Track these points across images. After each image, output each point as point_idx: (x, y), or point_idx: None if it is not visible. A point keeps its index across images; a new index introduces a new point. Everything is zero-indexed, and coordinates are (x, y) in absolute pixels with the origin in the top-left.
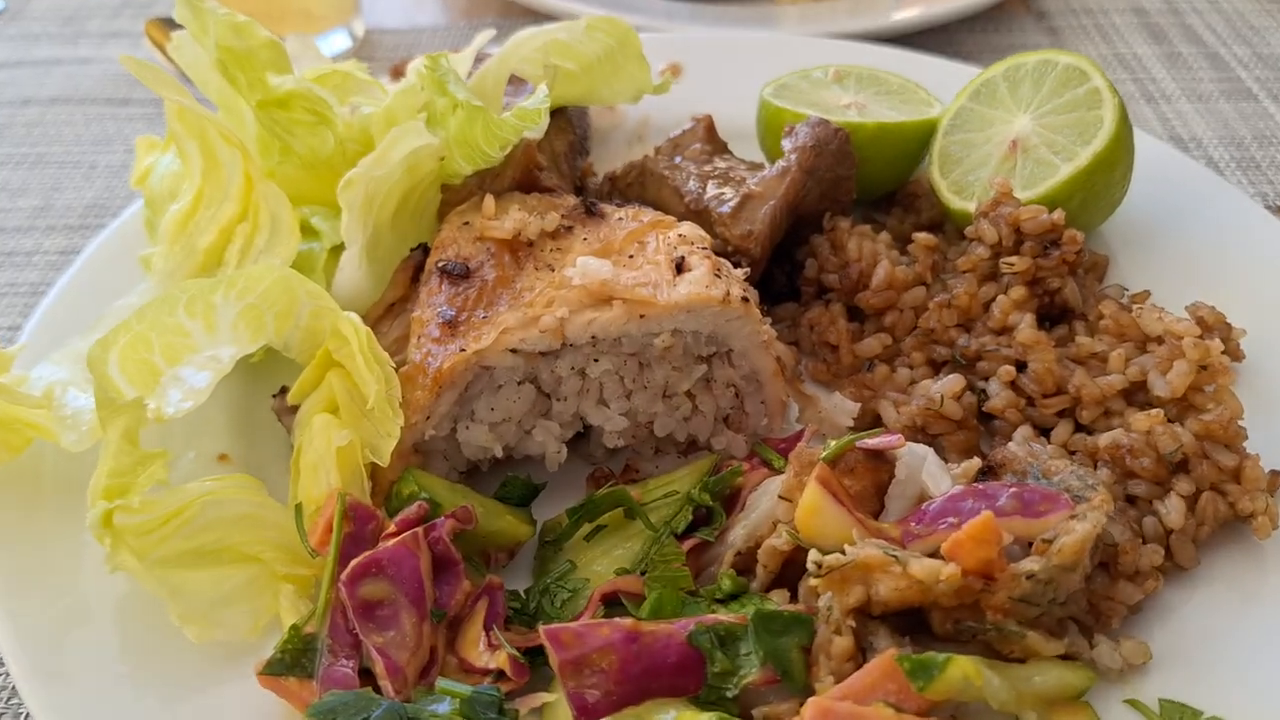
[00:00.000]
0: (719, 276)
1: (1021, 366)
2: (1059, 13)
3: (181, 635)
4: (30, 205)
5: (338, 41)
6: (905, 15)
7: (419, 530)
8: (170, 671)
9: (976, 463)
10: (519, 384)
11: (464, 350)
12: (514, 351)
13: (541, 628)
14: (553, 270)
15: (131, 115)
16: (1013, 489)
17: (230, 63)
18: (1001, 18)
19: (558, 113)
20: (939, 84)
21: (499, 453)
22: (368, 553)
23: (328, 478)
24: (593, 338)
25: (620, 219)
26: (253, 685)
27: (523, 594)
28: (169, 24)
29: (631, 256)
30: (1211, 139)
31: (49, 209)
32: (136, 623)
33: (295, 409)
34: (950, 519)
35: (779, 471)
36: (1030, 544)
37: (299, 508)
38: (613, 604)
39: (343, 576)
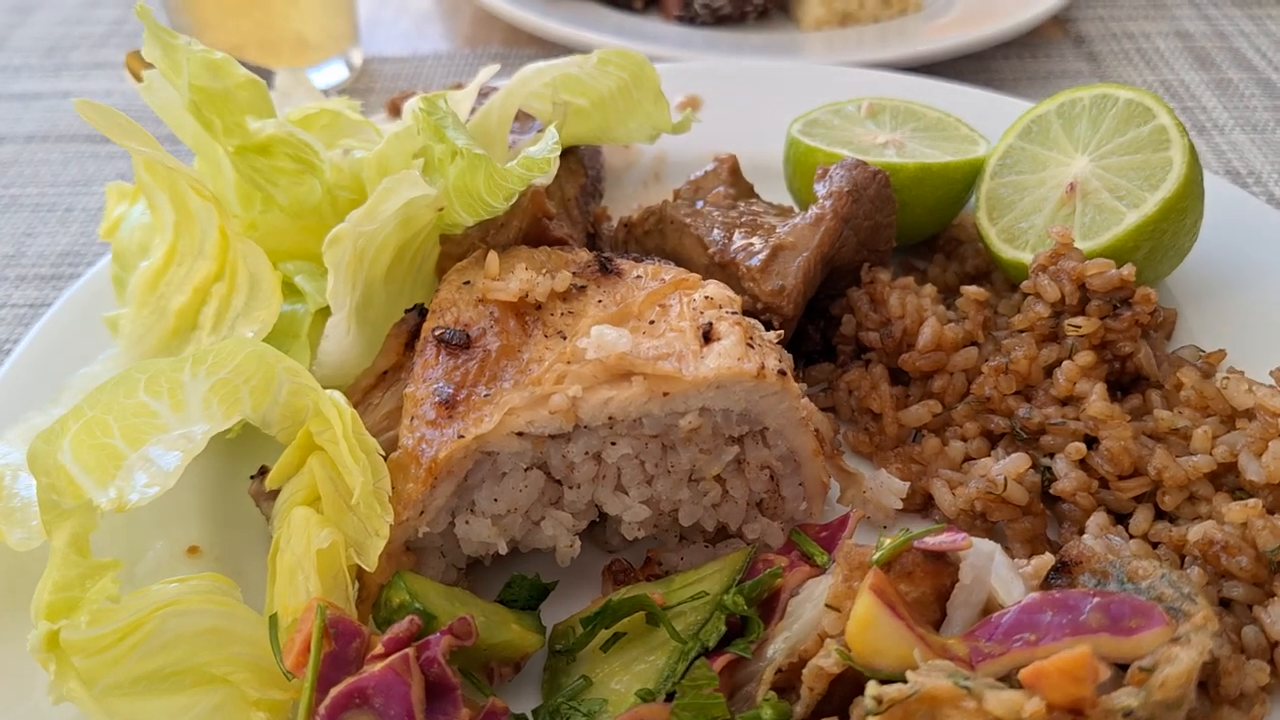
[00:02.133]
0: (752, 346)
1: (1092, 442)
2: (1099, 37)
3: None
4: (0, 253)
5: (334, 73)
6: (937, 43)
7: (410, 651)
8: None
9: (1049, 560)
10: (526, 470)
11: (463, 436)
12: (520, 435)
13: None
14: (564, 338)
15: (113, 153)
16: (1096, 599)
17: (205, 104)
18: (1038, 44)
19: (568, 153)
20: (980, 118)
21: (503, 549)
22: (350, 680)
23: (307, 584)
24: (610, 419)
25: (639, 277)
26: None
27: (530, 716)
28: None
29: (652, 322)
30: (1270, 173)
31: (20, 256)
32: None
33: (275, 494)
34: (1026, 635)
35: (821, 568)
36: (1119, 665)
37: (273, 619)
38: None
39: (321, 708)
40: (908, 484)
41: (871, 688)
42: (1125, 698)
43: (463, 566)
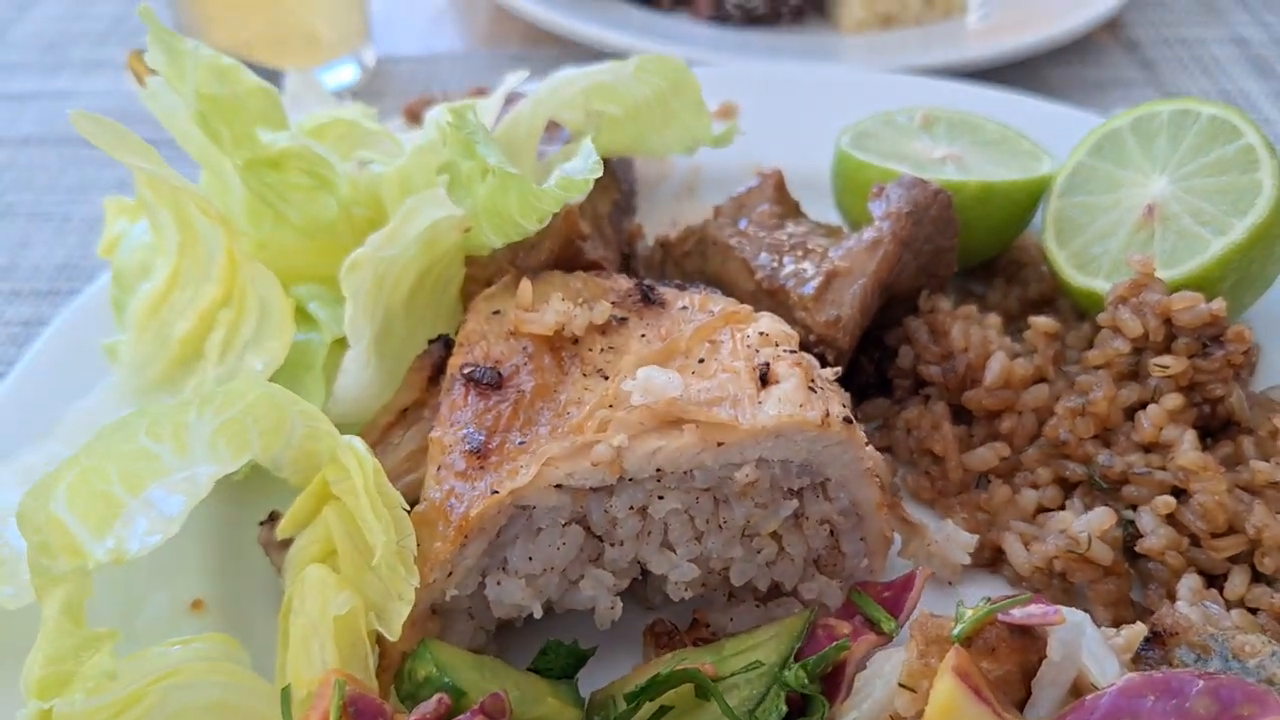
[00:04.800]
0: (814, 390)
1: (1179, 493)
2: (1151, 43)
3: None
4: None
5: (346, 73)
6: (986, 49)
7: None
8: None
9: (1142, 630)
10: (564, 526)
11: (496, 491)
12: (559, 488)
13: None
14: (605, 378)
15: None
16: (1203, 681)
17: (212, 114)
18: (1089, 49)
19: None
20: (1038, 129)
21: (538, 612)
22: None
23: (322, 652)
24: (658, 470)
25: (684, 308)
26: None
27: None
28: None
29: (702, 361)
30: None
31: (14, 269)
32: None
33: (287, 544)
34: None
35: (887, 635)
36: None
37: (286, 693)
38: None
39: None
40: (976, 537)
41: None
42: None
43: (492, 629)
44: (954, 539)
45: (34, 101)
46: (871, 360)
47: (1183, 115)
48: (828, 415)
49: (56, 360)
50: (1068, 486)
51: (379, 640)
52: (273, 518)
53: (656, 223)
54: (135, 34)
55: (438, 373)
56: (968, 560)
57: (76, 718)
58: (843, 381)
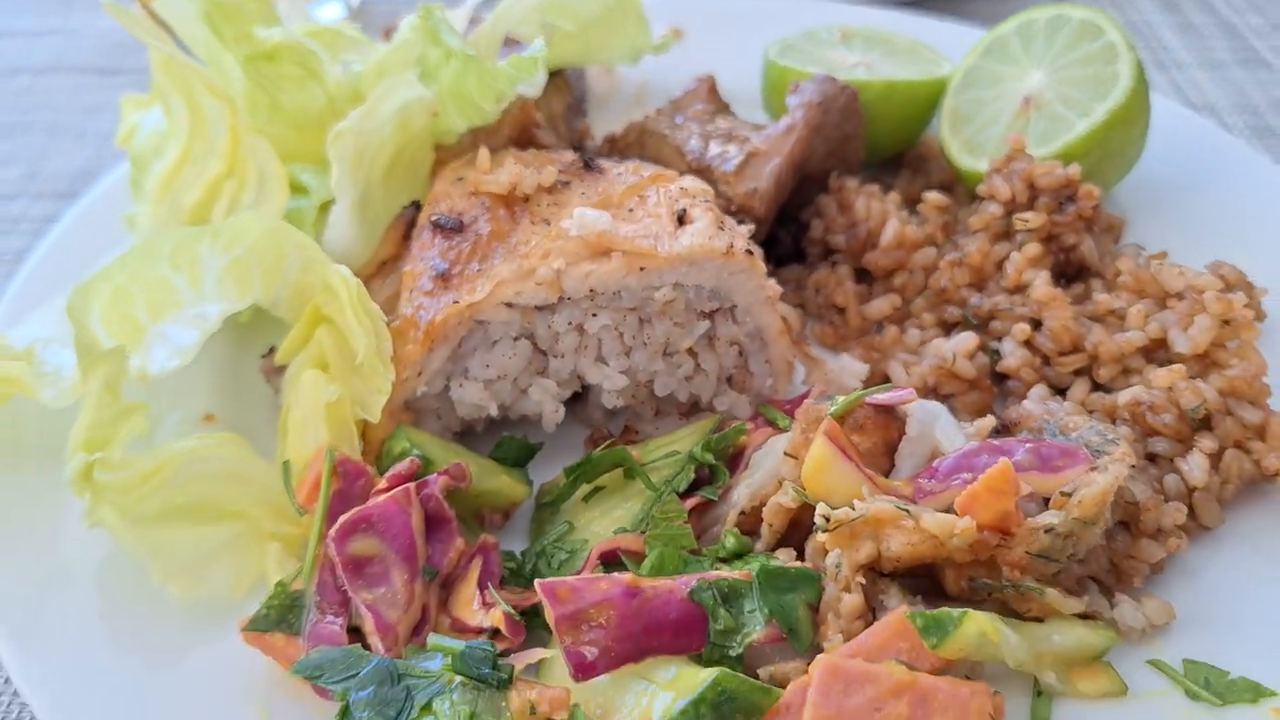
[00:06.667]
0: (722, 229)
1: (1037, 325)
2: None
3: (165, 597)
4: (16, 174)
5: (331, 12)
6: None
7: (410, 486)
8: (153, 633)
9: (991, 421)
10: (514, 340)
11: (457, 302)
12: (509, 305)
13: (537, 581)
14: (549, 224)
15: (121, 84)
16: (1029, 444)
17: (216, 15)
18: None
19: (555, 74)
20: (951, 48)
21: (494, 412)
22: (357, 508)
23: (316, 435)
24: (591, 291)
25: (620, 174)
26: (237, 645)
27: (519, 555)
28: None
29: (631, 210)
30: (1226, 106)
31: (36, 175)
32: (118, 584)
33: (283, 369)
34: (965, 475)
35: (782, 429)
36: (1048, 501)
37: (286, 465)
38: (612, 564)
39: (331, 532)
40: (867, 366)
41: (821, 507)
42: (1047, 516)
43: (457, 429)
44: (849, 368)
45: (49, 36)
46: (789, 234)
47: (1057, 19)
48: (732, 247)
49: (84, 232)
50: (947, 326)
51: (364, 433)
52: (271, 350)
53: (607, 130)
54: None
55: (411, 230)
56: (859, 384)
57: (113, 486)
58: (764, 251)
